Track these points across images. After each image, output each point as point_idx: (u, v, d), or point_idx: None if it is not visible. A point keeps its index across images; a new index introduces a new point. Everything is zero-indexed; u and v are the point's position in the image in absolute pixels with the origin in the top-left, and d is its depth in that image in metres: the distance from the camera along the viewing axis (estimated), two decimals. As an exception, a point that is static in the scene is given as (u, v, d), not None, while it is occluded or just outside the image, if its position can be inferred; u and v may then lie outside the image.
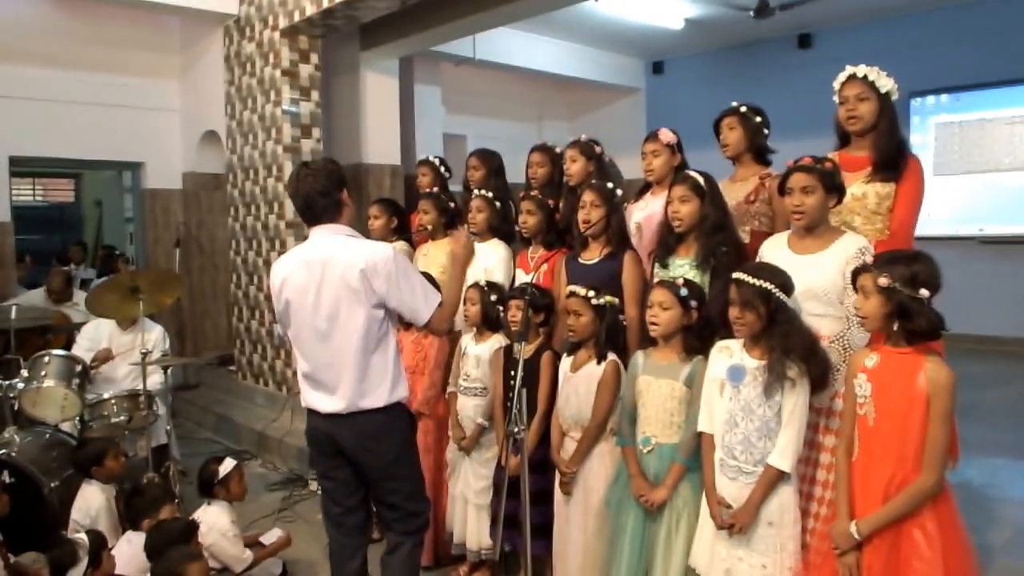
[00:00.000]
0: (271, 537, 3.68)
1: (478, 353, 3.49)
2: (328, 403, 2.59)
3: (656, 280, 2.88)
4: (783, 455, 2.41)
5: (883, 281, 2.16)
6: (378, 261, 2.48)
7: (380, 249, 2.55)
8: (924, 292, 2.15)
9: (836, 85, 2.91)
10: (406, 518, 2.69)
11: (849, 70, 2.87)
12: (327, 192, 2.57)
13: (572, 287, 3.01)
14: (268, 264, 6.27)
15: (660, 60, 10.43)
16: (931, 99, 8.34)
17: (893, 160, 2.82)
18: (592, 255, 3.25)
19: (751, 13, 7.77)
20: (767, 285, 2.42)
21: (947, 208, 8.16)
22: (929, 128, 8.40)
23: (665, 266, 3.03)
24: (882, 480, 2.21)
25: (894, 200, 2.80)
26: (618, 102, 10.51)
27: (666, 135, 3.40)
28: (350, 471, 2.67)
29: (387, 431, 2.60)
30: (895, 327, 2.19)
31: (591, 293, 2.93)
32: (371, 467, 2.63)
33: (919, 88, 8.20)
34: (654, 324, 2.74)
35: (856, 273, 2.30)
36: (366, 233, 3.56)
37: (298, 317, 2.59)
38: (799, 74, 8.71)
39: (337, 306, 2.49)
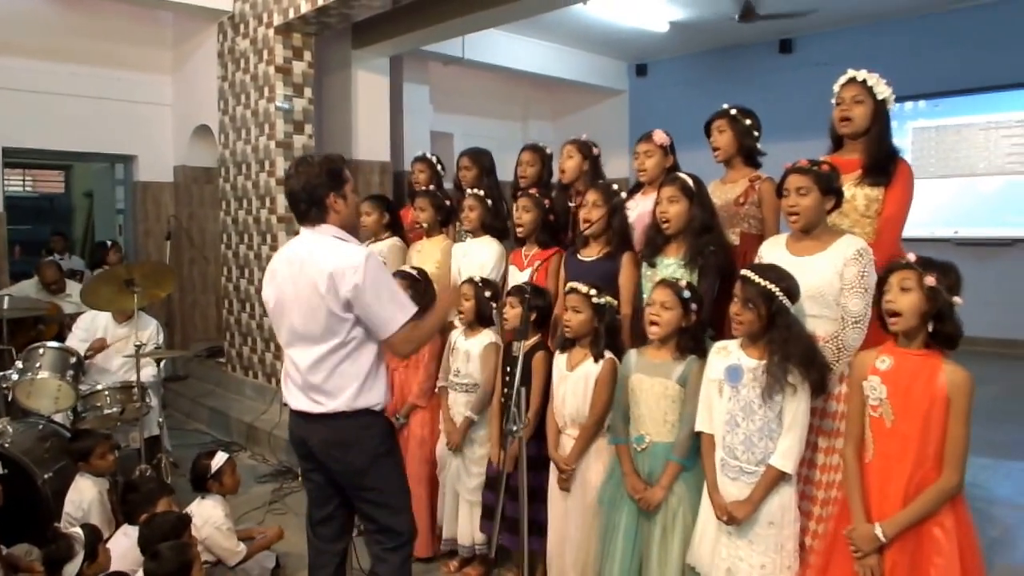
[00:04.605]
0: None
1: (468, 348, 3.49)
2: (296, 400, 2.58)
3: (657, 280, 2.87)
4: (785, 457, 2.43)
5: (930, 280, 2.17)
6: (346, 267, 2.40)
7: (351, 254, 2.44)
8: (958, 300, 2.21)
9: (835, 87, 2.97)
10: (383, 532, 2.60)
11: (850, 73, 2.94)
12: (310, 192, 2.49)
13: (573, 283, 3.00)
14: (259, 258, 6.34)
15: (644, 62, 10.55)
16: (909, 104, 8.50)
17: (883, 165, 2.86)
18: (590, 253, 3.28)
19: (735, 17, 7.92)
20: (771, 287, 2.43)
21: (924, 211, 8.33)
22: (907, 133, 8.56)
23: (653, 265, 3.04)
24: (901, 481, 2.21)
25: (882, 204, 2.84)
26: (602, 103, 10.66)
27: (660, 136, 3.41)
28: (323, 476, 2.63)
29: (354, 439, 2.52)
30: (929, 328, 2.21)
31: (592, 291, 2.93)
32: (340, 474, 2.58)
33: (898, 93, 8.24)
34: (654, 323, 2.73)
35: (893, 269, 2.27)
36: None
37: (277, 313, 2.59)
38: (780, 77, 8.90)
39: (307, 308, 2.46)
